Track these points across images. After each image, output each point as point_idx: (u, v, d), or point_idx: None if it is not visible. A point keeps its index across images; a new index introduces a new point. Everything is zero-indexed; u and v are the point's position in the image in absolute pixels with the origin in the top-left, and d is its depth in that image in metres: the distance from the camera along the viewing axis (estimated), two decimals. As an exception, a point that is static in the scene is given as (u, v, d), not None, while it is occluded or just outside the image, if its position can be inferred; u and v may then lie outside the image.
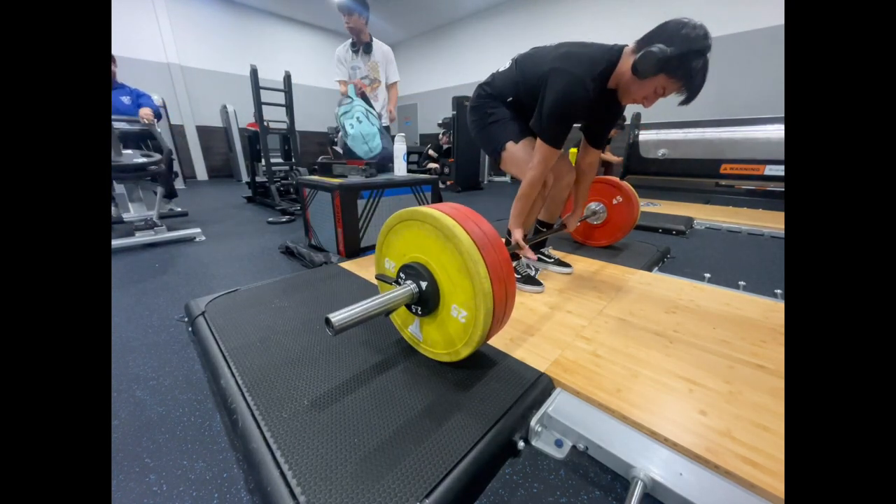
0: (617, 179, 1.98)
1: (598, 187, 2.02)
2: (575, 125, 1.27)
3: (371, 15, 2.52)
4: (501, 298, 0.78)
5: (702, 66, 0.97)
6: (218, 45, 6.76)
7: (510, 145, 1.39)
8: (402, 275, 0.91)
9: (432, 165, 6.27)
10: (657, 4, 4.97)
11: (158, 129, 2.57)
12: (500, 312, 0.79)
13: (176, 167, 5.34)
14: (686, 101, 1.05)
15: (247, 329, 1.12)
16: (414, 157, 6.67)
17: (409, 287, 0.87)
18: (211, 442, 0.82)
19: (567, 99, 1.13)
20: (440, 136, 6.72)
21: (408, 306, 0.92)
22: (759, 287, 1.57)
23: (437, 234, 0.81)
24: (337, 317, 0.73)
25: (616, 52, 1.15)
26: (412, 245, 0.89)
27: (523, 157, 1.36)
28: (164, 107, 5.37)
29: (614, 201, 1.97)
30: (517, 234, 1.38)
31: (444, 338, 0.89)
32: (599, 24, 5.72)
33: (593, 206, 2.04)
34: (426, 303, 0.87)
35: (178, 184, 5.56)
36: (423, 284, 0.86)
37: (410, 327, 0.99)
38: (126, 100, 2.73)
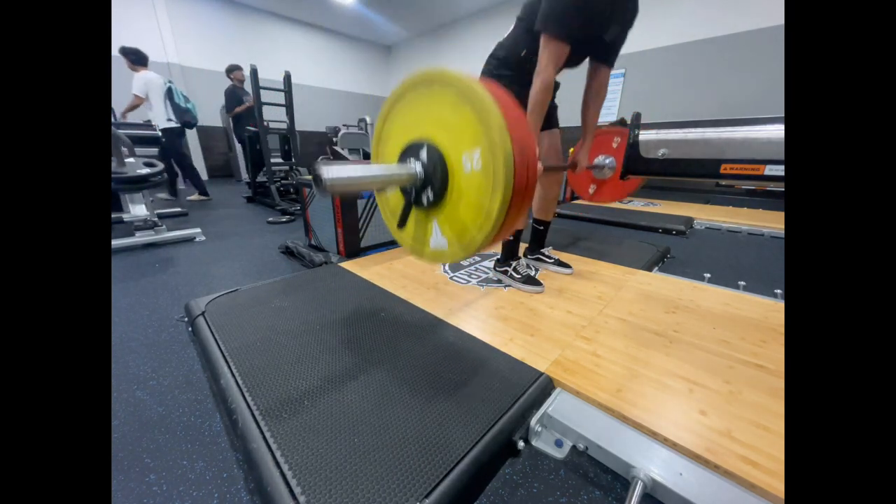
0: (620, 127, 1.88)
1: (601, 139, 1.90)
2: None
3: (372, 15, 2.55)
4: (518, 137, 0.64)
5: None
6: (218, 45, 6.76)
7: None
8: (400, 162, 0.79)
9: None
10: (659, 5, 4.98)
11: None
12: (518, 153, 0.64)
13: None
14: None
15: (247, 329, 1.12)
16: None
17: (412, 165, 0.75)
18: (211, 442, 0.81)
19: None
20: None
21: (417, 201, 0.79)
22: (759, 287, 1.57)
23: (422, 92, 0.73)
24: (330, 174, 0.62)
25: None
26: (404, 129, 0.79)
27: None
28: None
29: (614, 144, 1.88)
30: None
31: (467, 218, 0.74)
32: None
33: (601, 158, 1.91)
34: (433, 179, 0.74)
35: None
36: (423, 154, 0.74)
37: (431, 242, 0.83)
38: None
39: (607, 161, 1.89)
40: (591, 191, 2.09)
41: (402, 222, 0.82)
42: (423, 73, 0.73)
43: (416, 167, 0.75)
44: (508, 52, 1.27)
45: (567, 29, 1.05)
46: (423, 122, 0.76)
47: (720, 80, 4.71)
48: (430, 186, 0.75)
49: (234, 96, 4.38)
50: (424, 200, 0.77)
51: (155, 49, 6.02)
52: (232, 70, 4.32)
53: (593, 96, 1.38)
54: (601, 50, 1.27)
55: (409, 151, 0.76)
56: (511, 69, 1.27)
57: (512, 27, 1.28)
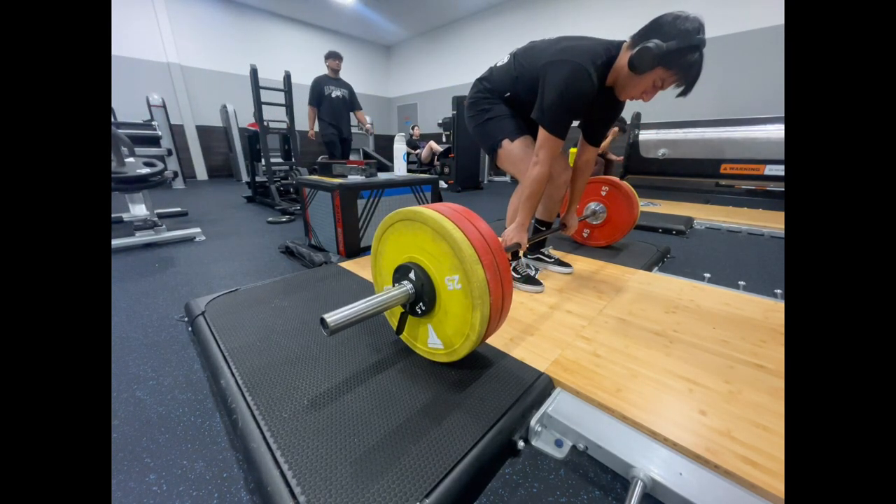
0: (616, 179, 1.98)
1: (591, 187, 2.02)
2: (574, 124, 1.26)
3: (372, 15, 2.55)
4: (482, 251, 0.77)
5: (698, 57, 0.98)
6: (218, 44, 6.76)
7: (506, 143, 1.39)
8: (395, 284, 0.92)
9: (433, 148, 6.16)
10: (658, 5, 4.98)
11: None
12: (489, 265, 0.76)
13: (174, 166, 5.35)
14: (684, 93, 1.06)
15: (247, 329, 1.12)
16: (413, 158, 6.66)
17: (405, 287, 0.87)
18: (211, 442, 0.82)
19: (571, 87, 1.12)
20: (412, 126, 6.81)
21: (412, 311, 0.90)
22: (759, 287, 1.57)
23: (407, 225, 0.85)
24: (332, 317, 0.74)
25: (615, 46, 1.15)
26: (396, 250, 0.92)
27: (519, 154, 1.35)
28: (164, 106, 5.37)
29: (602, 192, 2.00)
30: (524, 237, 1.32)
31: (455, 326, 0.85)
32: (600, 24, 5.72)
33: (593, 205, 2.04)
34: (423, 295, 0.86)
35: (178, 184, 5.57)
36: (413, 275, 0.86)
37: (428, 342, 0.94)
38: None
39: (597, 208, 2.05)
40: (584, 235, 2.18)
41: (400, 330, 0.95)
42: (404, 213, 0.86)
43: (408, 287, 0.87)
44: (494, 86, 1.40)
45: (562, 129, 1.20)
46: (411, 248, 0.88)
47: (720, 80, 4.71)
48: (421, 301, 0.88)
49: (315, 88, 3.65)
50: (418, 311, 0.89)
51: (155, 49, 6.03)
52: (328, 57, 3.64)
53: (581, 170, 1.54)
54: (586, 131, 1.45)
55: (402, 270, 0.89)
56: (497, 97, 1.41)
57: (506, 60, 1.37)
